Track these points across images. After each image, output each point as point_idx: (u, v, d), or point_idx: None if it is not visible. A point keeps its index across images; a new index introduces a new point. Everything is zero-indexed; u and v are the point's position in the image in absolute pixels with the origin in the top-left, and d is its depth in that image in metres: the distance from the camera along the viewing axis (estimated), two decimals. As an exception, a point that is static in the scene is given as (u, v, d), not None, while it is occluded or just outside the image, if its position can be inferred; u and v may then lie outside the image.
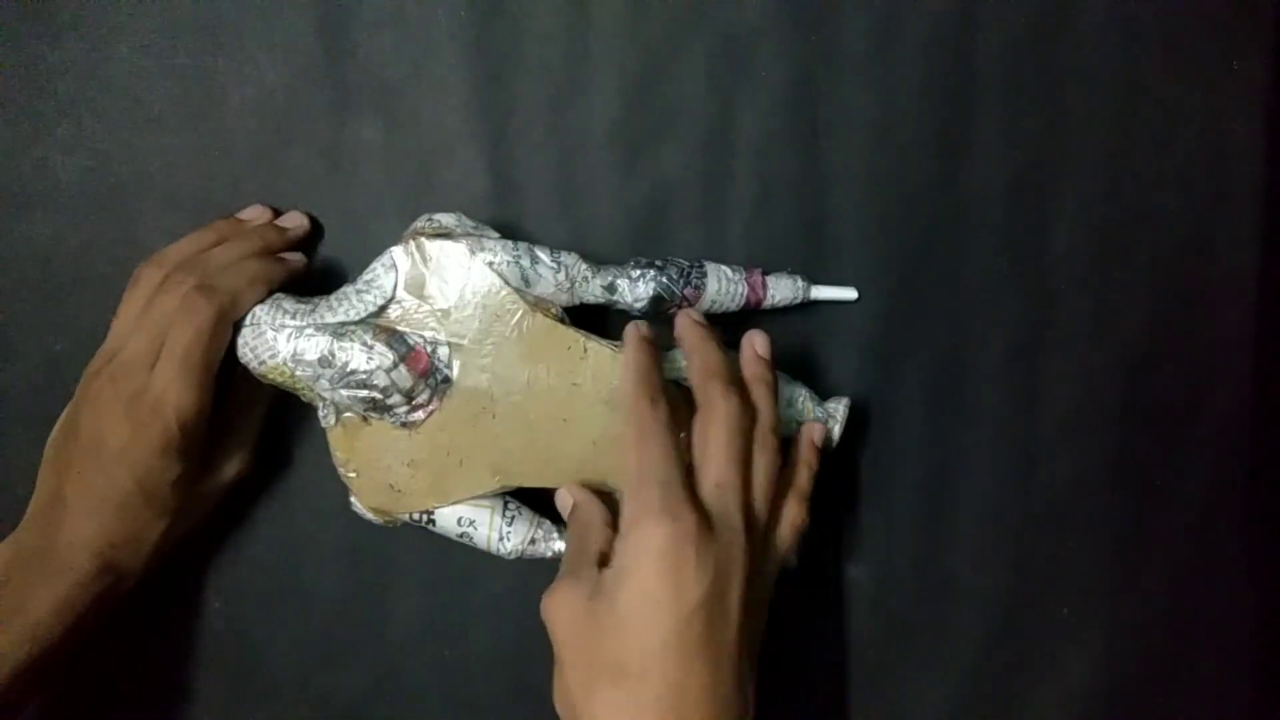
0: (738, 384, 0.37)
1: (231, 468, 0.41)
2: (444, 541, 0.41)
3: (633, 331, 0.38)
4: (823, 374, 0.45)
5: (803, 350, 0.45)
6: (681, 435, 0.35)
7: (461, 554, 0.42)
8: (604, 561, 0.34)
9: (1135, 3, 0.44)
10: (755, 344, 0.39)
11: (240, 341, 0.38)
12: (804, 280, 0.42)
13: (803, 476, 0.38)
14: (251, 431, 0.42)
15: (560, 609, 0.33)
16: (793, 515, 0.37)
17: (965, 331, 0.45)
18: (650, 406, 0.35)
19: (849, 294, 0.43)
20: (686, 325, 0.38)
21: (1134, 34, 0.45)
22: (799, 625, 0.46)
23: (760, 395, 0.37)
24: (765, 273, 0.42)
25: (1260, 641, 0.47)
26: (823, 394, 0.43)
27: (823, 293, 0.43)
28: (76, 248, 0.43)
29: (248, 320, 0.38)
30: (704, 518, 0.33)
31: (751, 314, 0.42)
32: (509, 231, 0.43)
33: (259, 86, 0.42)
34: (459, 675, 0.45)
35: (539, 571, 0.44)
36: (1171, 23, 0.45)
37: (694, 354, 0.37)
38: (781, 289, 0.42)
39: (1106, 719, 0.47)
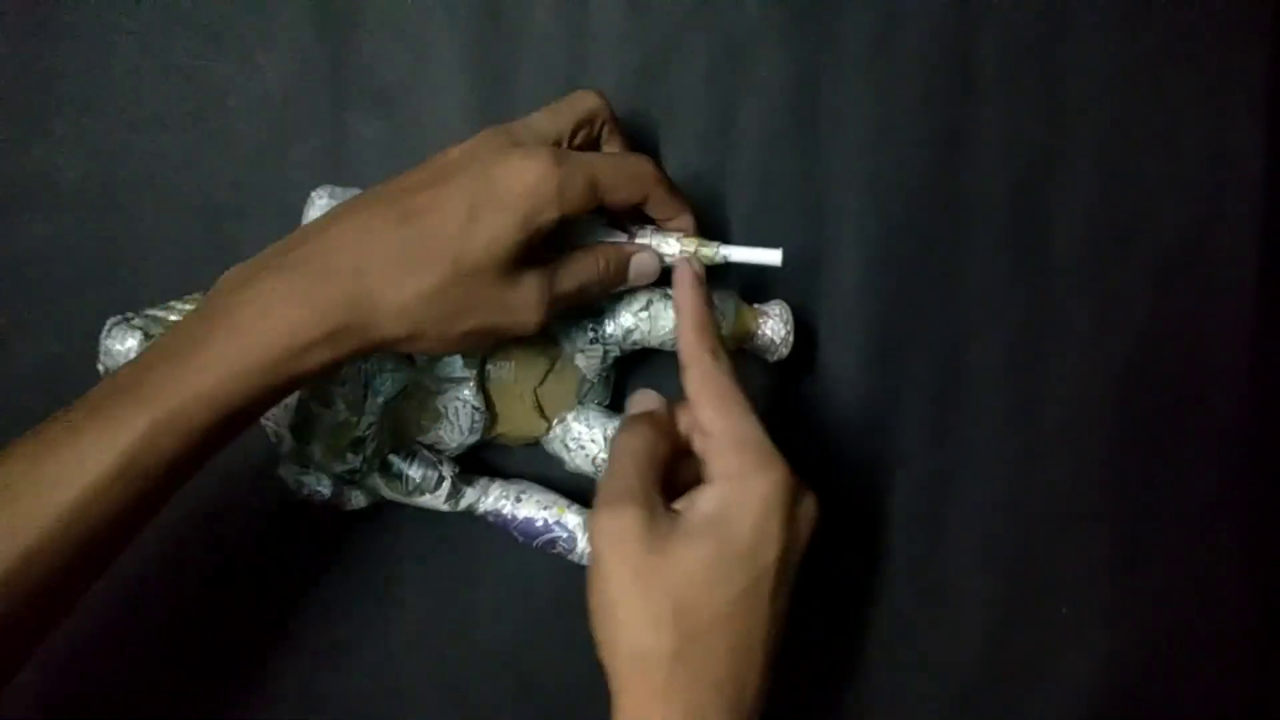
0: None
1: (529, 294, 0.33)
2: (445, 541, 0.41)
3: (685, 270, 0.35)
4: (822, 373, 0.45)
5: (802, 349, 0.45)
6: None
7: (463, 554, 0.42)
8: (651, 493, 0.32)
9: (1135, 3, 0.45)
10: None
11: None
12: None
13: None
14: (550, 289, 0.34)
15: (622, 535, 0.31)
16: None
17: (965, 331, 0.45)
18: (715, 361, 0.33)
19: (773, 257, 0.37)
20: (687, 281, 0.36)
21: (1134, 34, 0.45)
22: (798, 624, 0.46)
23: None
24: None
25: (1260, 641, 0.47)
26: (824, 389, 0.43)
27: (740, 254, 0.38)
28: (75, 248, 0.43)
29: None
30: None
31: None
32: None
33: (259, 86, 0.42)
34: (459, 675, 0.45)
35: (541, 571, 0.44)
36: (1172, 23, 0.45)
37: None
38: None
39: (1107, 719, 0.47)
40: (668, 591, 0.30)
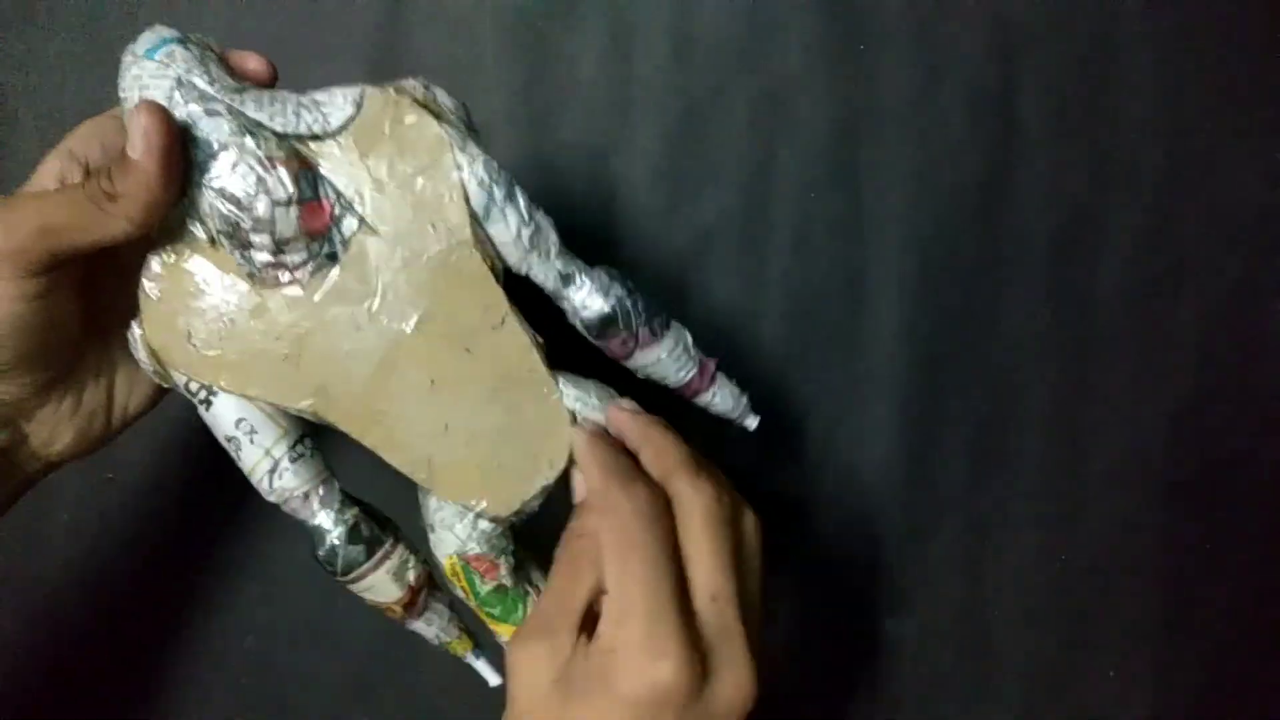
0: (706, 468, 0.31)
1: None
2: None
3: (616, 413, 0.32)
4: (862, 424, 0.45)
5: (841, 399, 0.44)
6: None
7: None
8: (590, 619, 0.29)
9: (1179, 53, 0.44)
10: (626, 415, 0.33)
11: (132, 70, 0.29)
12: (748, 403, 0.35)
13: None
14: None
15: (528, 664, 0.29)
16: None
17: (1007, 382, 0.45)
18: (627, 495, 0.29)
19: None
20: (624, 418, 0.32)
21: (1178, 85, 0.45)
22: (837, 679, 0.45)
23: (714, 475, 0.31)
24: (719, 368, 0.35)
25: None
26: (862, 440, 0.42)
27: (754, 423, 0.35)
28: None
29: (159, 55, 0.29)
30: (696, 654, 0.27)
31: (678, 402, 0.35)
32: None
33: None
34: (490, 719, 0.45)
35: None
36: (1216, 74, 0.45)
37: (645, 444, 0.32)
38: (724, 396, 0.35)
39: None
40: None
